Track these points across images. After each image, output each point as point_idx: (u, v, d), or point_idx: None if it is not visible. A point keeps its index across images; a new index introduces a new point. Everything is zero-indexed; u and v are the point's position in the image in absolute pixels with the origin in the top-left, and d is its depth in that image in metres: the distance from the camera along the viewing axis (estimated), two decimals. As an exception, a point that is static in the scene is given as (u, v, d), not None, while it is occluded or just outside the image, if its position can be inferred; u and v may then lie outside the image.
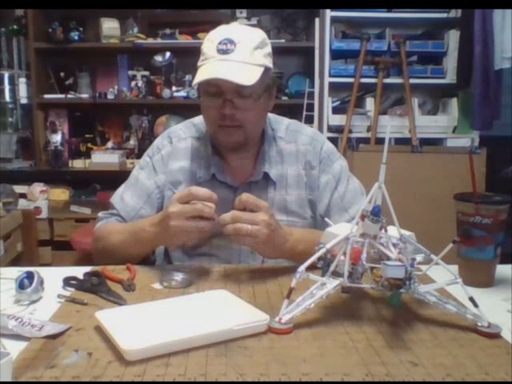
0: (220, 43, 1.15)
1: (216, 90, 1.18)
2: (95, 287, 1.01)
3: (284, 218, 1.28)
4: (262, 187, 1.29)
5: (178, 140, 1.34)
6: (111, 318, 0.84)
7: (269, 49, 1.22)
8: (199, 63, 1.19)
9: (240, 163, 1.30)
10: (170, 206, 1.07)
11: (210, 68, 1.15)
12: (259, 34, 1.21)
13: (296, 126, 1.38)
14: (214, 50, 1.16)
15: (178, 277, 1.05)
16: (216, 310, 0.91)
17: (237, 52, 1.14)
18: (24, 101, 3.37)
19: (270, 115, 1.36)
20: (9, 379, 0.66)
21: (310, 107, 3.09)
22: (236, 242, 1.09)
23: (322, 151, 1.33)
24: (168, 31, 3.30)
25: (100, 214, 1.34)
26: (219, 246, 1.27)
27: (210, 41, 1.18)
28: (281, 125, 1.36)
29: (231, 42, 1.15)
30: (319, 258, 0.88)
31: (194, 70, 1.21)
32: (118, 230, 1.24)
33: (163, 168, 1.32)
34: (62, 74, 3.41)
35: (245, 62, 1.15)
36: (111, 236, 1.24)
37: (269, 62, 1.21)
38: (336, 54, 3.04)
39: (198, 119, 1.38)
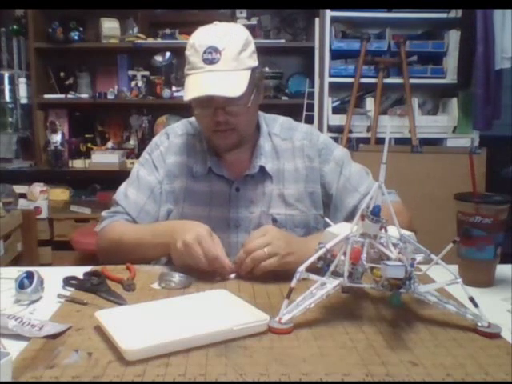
0: (205, 52, 1.16)
1: (207, 100, 1.19)
2: (95, 287, 1.01)
3: (282, 211, 1.31)
4: (259, 180, 1.31)
5: (174, 136, 1.37)
6: (111, 317, 0.84)
7: (252, 47, 1.22)
8: (186, 71, 1.21)
9: (236, 157, 1.32)
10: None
11: (199, 81, 1.17)
12: (241, 35, 1.21)
13: (290, 123, 1.40)
14: (200, 59, 1.16)
15: (175, 278, 1.05)
16: (216, 310, 0.91)
17: (223, 60, 1.15)
18: (24, 101, 3.37)
19: (264, 114, 1.38)
20: (9, 379, 0.66)
21: (310, 107, 3.09)
22: (260, 272, 1.08)
23: (318, 143, 1.35)
24: (168, 31, 3.30)
25: (103, 214, 1.35)
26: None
27: (194, 49, 1.18)
28: (275, 122, 1.38)
29: (216, 50, 1.15)
30: (319, 258, 0.88)
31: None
32: (132, 236, 1.24)
33: (163, 163, 1.35)
34: (62, 74, 3.41)
35: (232, 69, 1.16)
36: (123, 237, 1.24)
37: (254, 61, 1.22)
38: (336, 54, 3.04)
39: (194, 118, 1.39)
